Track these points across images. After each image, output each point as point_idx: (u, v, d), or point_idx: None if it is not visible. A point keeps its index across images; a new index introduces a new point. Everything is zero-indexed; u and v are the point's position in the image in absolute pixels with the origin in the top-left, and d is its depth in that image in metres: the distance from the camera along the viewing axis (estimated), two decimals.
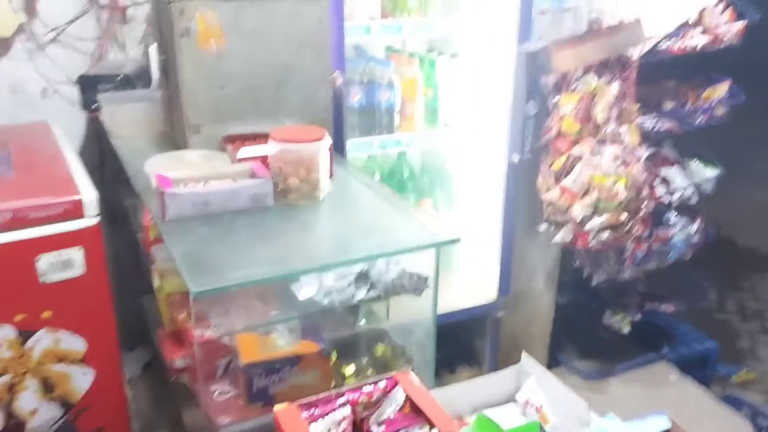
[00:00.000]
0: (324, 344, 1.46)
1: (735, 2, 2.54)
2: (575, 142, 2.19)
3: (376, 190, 1.66)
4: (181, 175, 1.44)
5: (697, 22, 2.49)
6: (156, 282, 1.76)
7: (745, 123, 2.78)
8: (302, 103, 1.74)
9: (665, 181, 2.73)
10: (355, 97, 2.14)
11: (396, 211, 1.53)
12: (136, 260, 2.17)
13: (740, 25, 2.52)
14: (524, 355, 1.42)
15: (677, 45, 2.47)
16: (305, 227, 1.44)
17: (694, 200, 2.75)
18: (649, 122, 2.57)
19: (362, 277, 1.41)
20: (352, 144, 2.12)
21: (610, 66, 2.20)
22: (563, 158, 2.21)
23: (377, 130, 2.20)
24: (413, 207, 2.33)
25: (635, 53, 2.26)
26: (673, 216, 2.74)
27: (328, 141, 1.50)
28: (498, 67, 2.21)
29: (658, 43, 2.44)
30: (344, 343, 1.67)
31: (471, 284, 2.49)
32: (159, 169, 1.52)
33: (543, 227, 2.36)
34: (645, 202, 2.27)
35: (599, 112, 2.17)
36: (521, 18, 2.10)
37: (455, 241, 1.38)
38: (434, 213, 2.41)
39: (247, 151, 1.55)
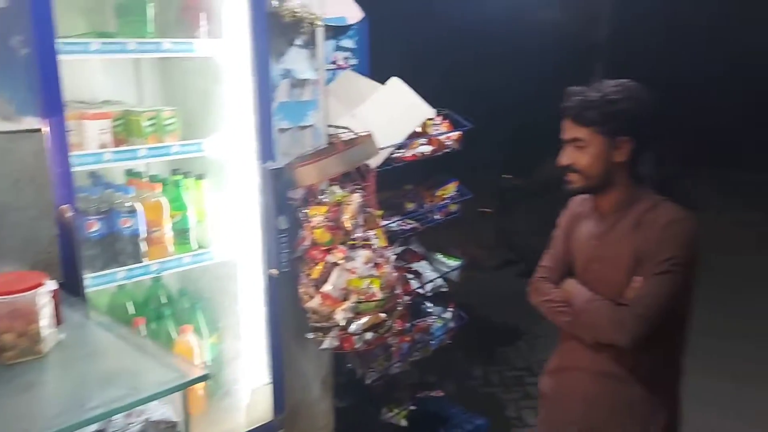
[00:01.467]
0: None
1: (450, 115, 2.93)
2: (329, 250, 2.27)
3: (116, 330, 1.52)
4: None
5: (422, 133, 2.81)
6: None
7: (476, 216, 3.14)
8: (22, 245, 1.56)
9: (417, 274, 2.94)
10: (92, 228, 1.99)
11: (139, 353, 1.41)
12: None
13: (457, 133, 2.90)
14: None
15: (408, 153, 2.75)
16: (26, 389, 1.24)
17: (444, 289, 3.00)
18: (395, 224, 2.79)
19: None
20: (93, 279, 1.95)
21: (352, 177, 2.35)
22: (320, 266, 2.27)
23: (122, 260, 2.06)
24: (163, 342, 2.24)
25: (373, 164, 2.46)
26: (429, 306, 2.95)
27: (49, 286, 1.35)
28: (245, 185, 2.23)
29: (392, 153, 2.69)
30: None
31: (244, 408, 2.38)
32: None
33: (311, 335, 2.36)
34: (400, 299, 2.41)
35: (347, 221, 2.28)
36: (261, 137, 2.16)
37: (204, 378, 1.30)
38: (197, 340, 2.28)
39: None
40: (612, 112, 1.79)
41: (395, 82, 2.77)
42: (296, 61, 2.36)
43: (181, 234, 2.22)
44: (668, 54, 7.77)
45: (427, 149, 2.80)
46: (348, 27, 2.88)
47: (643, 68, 7.61)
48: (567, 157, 1.86)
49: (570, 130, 1.85)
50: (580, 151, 1.83)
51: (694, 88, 7.43)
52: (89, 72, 2.29)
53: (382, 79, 2.80)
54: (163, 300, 2.34)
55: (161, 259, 2.14)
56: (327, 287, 2.24)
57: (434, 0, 7.20)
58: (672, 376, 1.94)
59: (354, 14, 2.83)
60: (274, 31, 2.25)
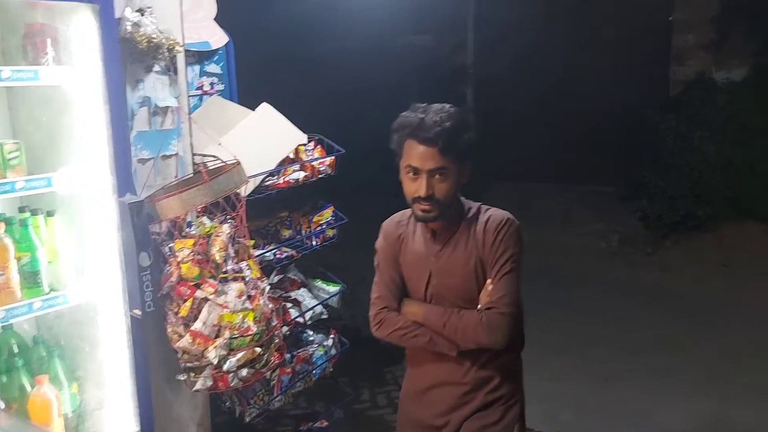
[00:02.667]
0: None
1: (323, 140, 2.92)
2: (198, 285, 2.17)
3: None
4: None
5: (295, 159, 2.77)
6: None
7: (352, 239, 3.14)
8: None
9: (297, 303, 2.89)
10: None
11: None
12: None
13: (330, 159, 2.89)
14: None
15: (281, 180, 2.70)
16: None
17: (325, 316, 2.96)
18: (271, 253, 2.72)
19: None
20: None
21: (221, 207, 2.27)
22: (189, 303, 2.16)
23: None
24: (16, 396, 2.03)
25: (243, 192, 2.39)
26: (310, 335, 2.90)
27: None
28: (102, 221, 2.09)
29: (264, 180, 2.64)
30: None
31: None
32: None
33: (182, 377, 2.24)
34: (277, 331, 2.34)
35: (216, 253, 2.20)
36: (118, 169, 2.04)
37: None
38: (55, 391, 2.09)
39: None
40: (470, 139, 1.86)
41: (265, 108, 2.72)
42: (156, 88, 2.25)
43: (31, 277, 2.04)
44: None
45: (301, 175, 2.77)
46: (213, 52, 2.80)
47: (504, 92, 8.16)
48: (429, 187, 1.83)
49: (435, 160, 1.82)
50: (441, 180, 1.83)
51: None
52: None
53: (251, 105, 2.74)
54: (15, 349, 2.14)
55: (8, 306, 1.96)
56: (197, 325, 2.13)
57: (302, 25, 7.23)
58: (521, 366, 2.07)
59: (218, 39, 2.76)
60: (129, 57, 2.14)
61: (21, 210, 2.07)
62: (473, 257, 1.90)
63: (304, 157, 2.81)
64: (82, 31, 1.99)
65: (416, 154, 1.83)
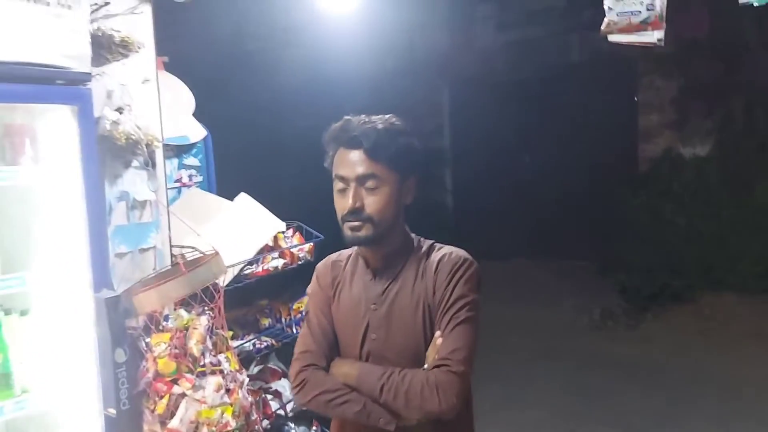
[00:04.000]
0: None
1: (301, 227, 2.94)
2: (175, 381, 2.12)
3: None
4: None
5: (274, 247, 2.78)
6: None
7: None
8: None
9: (278, 394, 2.81)
10: None
11: None
12: None
13: (309, 245, 2.91)
14: None
15: (261, 268, 2.70)
16: None
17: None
18: (250, 343, 2.68)
19: None
20: None
21: (199, 298, 2.25)
22: (165, 399, 2.10)
23: None
24: None
25: (222, 282, 2.38)
26: (291, 427, 2.81)
27: None
28: (77, 318, 2.05)
29: (243, 269, 2.63)
30: None
31: None
32: None
33: None
34: (257, 426, 2.27)
35: (194, 346, 2.16)
36: (94, 264, 2.03)
37: None
38: None
39: None
40: (407, 145, 1.61)
41: (243, 198, 2.76)
42: (134, 182, 2.28)
43: (2, 378, 1.97)
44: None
45: (280, 263, 2.77)
46: (192, 145, 2.86)
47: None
48: (357, 197, 1.57)
49: (363, 165, 1.56)
50: (372, 192, 1.57)
51: None
52: None
53: (230, 195, 2.78)
54: None
55: None
56: (174, 422, 2.06)
57: (275, 111, 7.39)
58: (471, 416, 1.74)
59: (196, 132, 2.82)
60: (108, 153, 2.17)
61: None
62: (421, 304, 1.60)
63: (283, 244, 2.82)
64: (61, 130, 2.03)
65: (342, 161, 1.59)
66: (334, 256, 1.77)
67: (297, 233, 2.91)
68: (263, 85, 7.04)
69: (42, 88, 1.92)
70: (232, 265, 2.51)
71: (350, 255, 1.74)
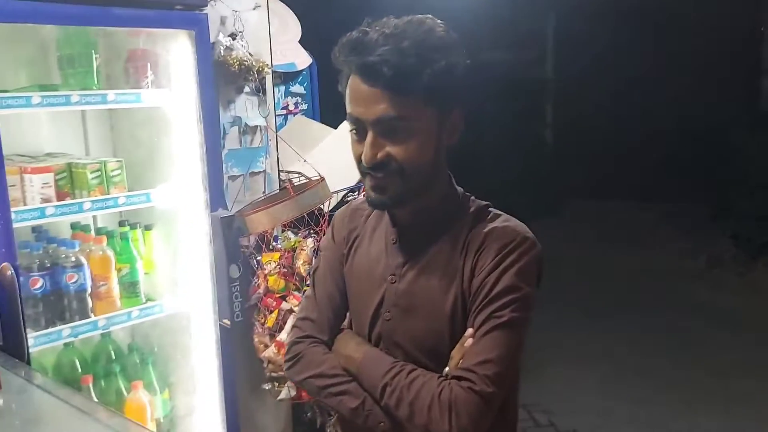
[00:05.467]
0: None
1: None
2: (283, 297, 2.24)
3: (60, 393, 1.45)
4: None
5: None
6: None
7: None
8: None
9: None
10: (35, 285, 1.92)
11: (82, 417, 1.34)
12: None
13: None
14: None
15: (362, 195, 2.75)
16: None
17: None
18: None
19: None
20: (37, 338, 1.88)
21: (305, 222, 2.34)
22: (274, 314, 2.23)
23: (68, 317, 1.99)
24: (113, 400, 2.15)
25: (327, 207, 2.46)
26: None
27: None
28: (195, 234, 2.20)
29: (346, 195, 2.69)
30: None
31: None
32: None
33: (267, 386, 2.31)
34: None
35: (301, 266, 2.26)
36: (211, 186, 2.14)
37: None
38: (148, 396, 2.20)
39: None
40: (447, 67, 1.13)
41: (346, 126, 2.79)
42: (246, 108, 2.36)
43: (130, 287, 2.16)
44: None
45: None
46: (298, 73, 2.90)
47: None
48: (377, 147, 1.15)
49: (384, 102, 1.12)
50: (399, 138, 1.14)
51: None
52: (34, 124, 2.25)
53: (333, 123, 2.82)
54: (112, 356, 2.26)
55: (109, 314, 2.08)
56: (282, 335, 2.19)
57: None
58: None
59: (303, 60, 2.86)
60: (222, 79, 2.25)
61: (121, 224, 2.21)
62: (454, 287, 1.20)
63: None
64: (179, 56, 2.12)
65: (356, 94, 1.16)
66: (356, 201, 1.40)
67: None
68: (365, 12, 6.95)
69: (162, 13, 2.00)
70: (336, 192, 2.58)
71: None
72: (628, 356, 4.43)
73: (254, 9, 2.33)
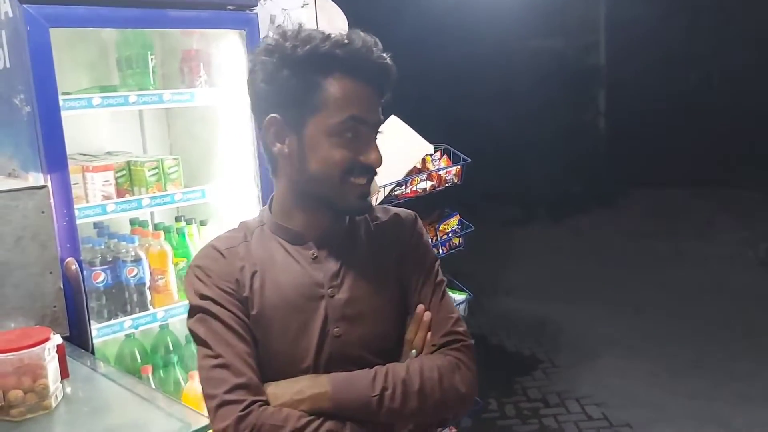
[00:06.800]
0: None
1: (449, 150, 2.96)
2: None
3: (123, 381, 1.53)
4: None
5: (422, 169, 2.83)
6: None
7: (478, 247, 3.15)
8: (27, 301, 1.59)
9: None
10: (98, 279, 2.01)
11: (145, 404, 1.42)
12: None
13: (457, 168, 2.93)
14: None
15: (409, 189, 2.78)
16: None
17: None
18: None
19: None
20: (100, 330, 1.97)
21: None
22: None
23: (128, 309, 2.08)
24: (172, 389, 2.23)
25: (374, 201, 2.48)
26: None
27: (55, 340, 1.37)
28: None
29: (392, 190, 2.72)
30: None
31: None
32: None
33: None
34: None
35: None
36: (262, 182, 2.19)
37: (209, 426, 1.30)
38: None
39: None
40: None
41: (393, 120, 2.81)
42: None
43: None
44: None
45: (428, 185, 2.83)
46: None
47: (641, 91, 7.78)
48: (379, 152, 1.19)
49: (378, 106, 1.19)
50: (376, 140, 1.20)
51: None
52: (94, 124, 2.34)
53: None
54: (171, 347, 2.35)
55: (167, 306, 2.16)
56: None
57: (428, 32, 7.30)
58: None
59: None
60: None
61: (177, 219, 2.29)
62: (391, 276, 1.24)
63: (431, 167, 2.86)
64: (231, 55, 2.17)
65: (358, 96, 1.15)
66: (220, 242, 1.25)
67: (444, 156, 2.94)
68: (412, 7, 6.95)
69: (215, 13, 2.06)
70: (383, 186, 2.61)
71: (245, 234, 1.26)
72: (683, 348, 4.33)
73: (302, 7, 2.37)
